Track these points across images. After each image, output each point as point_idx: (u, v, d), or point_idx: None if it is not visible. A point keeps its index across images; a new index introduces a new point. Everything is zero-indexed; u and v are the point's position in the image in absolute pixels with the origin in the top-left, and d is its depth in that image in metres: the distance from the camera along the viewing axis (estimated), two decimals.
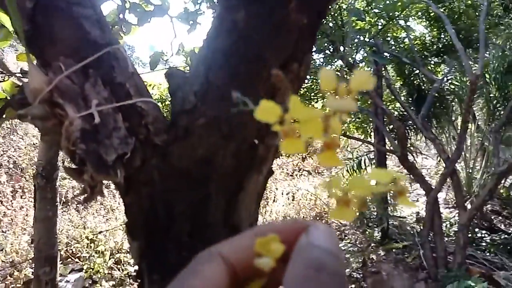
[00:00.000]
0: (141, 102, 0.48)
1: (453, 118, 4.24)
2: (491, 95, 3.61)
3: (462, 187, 2.88)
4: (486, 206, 3.47)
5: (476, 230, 3.19)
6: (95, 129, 0.44)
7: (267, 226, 0.25)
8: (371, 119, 3.71)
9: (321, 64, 3.52)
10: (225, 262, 0.23)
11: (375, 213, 3.93)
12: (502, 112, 3.35)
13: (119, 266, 2.78)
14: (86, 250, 2.87)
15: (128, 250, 2.93)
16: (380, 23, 3.16)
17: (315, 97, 3.94)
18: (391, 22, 3.04)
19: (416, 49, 3.39)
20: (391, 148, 3.10)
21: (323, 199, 4.51)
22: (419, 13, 3.77)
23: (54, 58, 0.47)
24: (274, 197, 4.19)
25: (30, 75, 0.44)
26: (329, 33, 2.83)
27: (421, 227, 3.01)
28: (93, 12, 0.50)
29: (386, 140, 3.26)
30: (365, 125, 4.26)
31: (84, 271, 2.69)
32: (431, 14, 3.70)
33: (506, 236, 3.12)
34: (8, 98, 0.64)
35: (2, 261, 2.41)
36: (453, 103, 4.02)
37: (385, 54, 3.20)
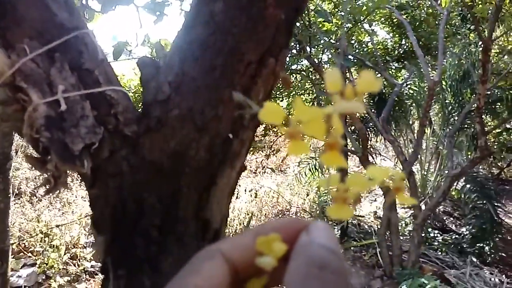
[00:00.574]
0: (111, 90, 0.46)
1: (411, 122, 4.40)
2: (446, 101, 3.78)
3: (417, 188, 3.00)
4: (438, 207, 3.63)
5: (429, 230, 3.33)
6: (61, 116, 0.42)
7: (268, 225, 0.24)
8: None
9: (287, 63, 3.55)
10: (226, 260, 0.23)
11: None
12: (456, 118, 3.52)
13: (74, 262, 2.69)
14: (40, 245, 2.75)
15: (85, 245, 2.84)
16: (346, 26, 3.23)
17: (280, 96, 3.97)
18: (356, 25, 3.11)
19: (378, 53, 3.49)
20: (353, 148, 3.18)
21: (285, 197, 4.55)
22: (383, 19, 3.89)
23: (18, 40, 0.44)
24: (237, 193, 4.18)
25: None
26: (296, 33, 2.86)
27: (379, 226, 3.11)
28: None
29: (348, 141, 3.33)
30: None
31: (37, 266, 2.58)
32: (394, 21, 3.82)
33: (457, 236, 3.28)
34: None
35: None
36: (411, 107, 4.17)
37: (350, 56, 3.27)
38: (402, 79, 4.06)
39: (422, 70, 3.04)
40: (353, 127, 3.77)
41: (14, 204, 2.68)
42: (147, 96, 0.46)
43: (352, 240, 3.41)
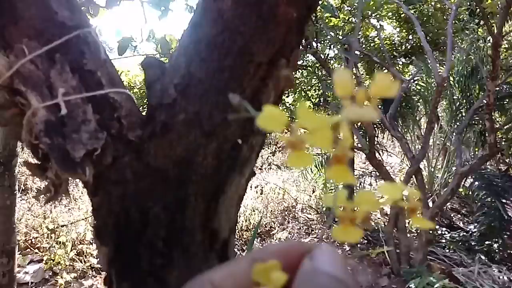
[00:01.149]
0: (114, 92, 0.44)
1: (418, 118, 4.35)
2: (454, 97, 3.73)
3: (425, 185, 2.96)
4: (446, 204, 3.59)
5: (437, 227, 3.30)
6: (61, 121, 0.40)
7: (266, 249, 0.22)
8: None
9: None
10: None
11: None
12: (464, 114, 3.47)
13: (81, 258, 2.68)
14: (46, 241, 2.75)
15: (91, 241, 2.84)
16: (353, 21, 3.19)
17: (285, 92, 3.94)
18: (363, 20, 3.07)
19: (385, 48, 3.45)
20: (359, 145, 3.15)
21: (291, 194, 4.53)
22: (390, 14, 3.84)
23: (16, 40, 0.42)
24: None
25: None
26: None
27: (386, 224, 3.08)
28: None
29: (354, 137, 3.30)
30: None
31: (44, 262, 2.58)
32: (401, 15, 3.77)
33: (464, 233, 3.24)
34: None
35: None
36: (419, 103, 4.12)
37: (356, 52, 3.23)
38: (410, 74, 4.02)
39: (430, 65, 2.99)
40: (359, 123, 3.74)
41: (21, 200, 2.68)
42: (152, 99, 0.44)
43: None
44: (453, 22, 2.75)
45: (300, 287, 0.19)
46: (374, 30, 3.63)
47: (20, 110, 0.41)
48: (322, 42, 3.23)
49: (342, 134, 0.18)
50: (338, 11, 3.01)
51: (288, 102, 4.13)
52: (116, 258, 0.42)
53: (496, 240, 2.89)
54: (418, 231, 2.73)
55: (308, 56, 3.64)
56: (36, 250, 2.70)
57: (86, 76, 0.43)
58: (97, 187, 0.42)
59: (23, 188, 3.21)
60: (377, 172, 2.95)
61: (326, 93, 3.79)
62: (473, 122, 3.68)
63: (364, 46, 3.75)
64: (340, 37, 2.96)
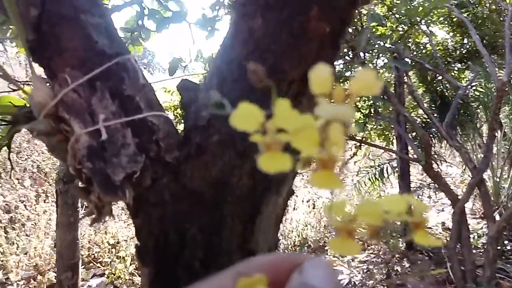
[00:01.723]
0: (152, 116, 0.45)
1: (478, 126, 4.10)
2: None
3: (490, 197, 2.76)
4: None
5: (505, 242, 3.06)
6: (102, 146, 0.41)
7: (253, 262, 0.21)
8: (393, 126, 3.63)
9: (341, 70, 3.46)
10: None
11: (399, 223, 3.83)
12: None
13: (139, 272, 2.77)
14: (107, 255, 2.88)
15: None
16: (401, 29, 3.09)
17: None
18: (413, 27, 2.97)
19: (438, 55, 3.30)
20: (415, 156, 3.01)
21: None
22: (441, 18, 3.68)
23: (61, 70, 0.44)
24: (294, 204, 4.12)
25: (34, 88, 0.42)
26: (348, 39, 2.78)
27: (448, 238, 2.90)
28: (101, 21, 0.47)
29: (409, 148, 3.17)
30: (387, 132, 4.16)
31: (106, 276, 2.70)
32: (454, 19, 3.60)
33: None
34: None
35: (26, 264, 2.44)
36: (478, 110, 3.89)
37: (407, 60, 3.12)
38: (467, 80, 3.81)
39: (488, 70, 2.82)
40: (414, 133, 3.59)
41: (83, 217, 2.83)
42: (188, 121, 0.44)
43: (419, 253, 3.22)
44: (510, 23, 2.59)
45: None
46: (425, 36, 3.50)
47: (65, 137, 0.43)
48: (371, 52, 3.15)
49: (332, 135, 0.17)
50: (386, 20, 2.94)
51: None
52: (157, 280, 0.42)
53: None
54: (485, 247, 2.54)
55: (356, 67, 3.58)
56: (99, 265, 2.83)
57: (126, 101, 0.45)
58: (137, 209, 0.44)
59: (86, 205, 3.39)
60: (435, 184, 2.80)
61: (377, 103, 3.69)
62: None
63: (415, 53, 3.62)
64: (388, 46, 2.88)
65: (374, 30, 3.00)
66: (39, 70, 0.46)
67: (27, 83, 0.58)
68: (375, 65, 3.29)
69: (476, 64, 3.45)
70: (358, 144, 3.73)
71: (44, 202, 3.03)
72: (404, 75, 3.37)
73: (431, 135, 3.76)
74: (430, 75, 3.68)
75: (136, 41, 1.60)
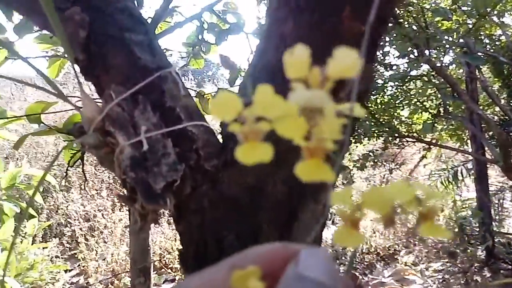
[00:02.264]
0: (192, 126, 0.47)
1: None
2: None
3: None
4: None
5: None
6: (144, 156, 0.43)
7: (249, 253, 0.20)
8: (466, 126, 3.39)
9: (406, 69, 3.31)
10: None
11: (477, 229, 3.55)
12: None
13: None
14: (177, 261, 2.99)
15: None
16: (470, 21, 2.89)
17: (400, 105, 3.70)
18: (482, 19, 2.76)
19: None
20: (492, 157, 2.79)
21: (415, 214, 4.20)
22: None
23: (108, 86, 0.47)
24: None
25: (83, 104, 0.45)
26: (412, 36, 2.65)
27: None
28: (144, 38, 0.50)
29: (486, 148, 2.94)
30: (460, 133, 3.89)
31: (176, 281, 2.80)
32: None
33: None
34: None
35: (104, 270, 2.61)
36: None
37: (479, 54, 2.90)
38: None
39: None
40: (490, 133, 3.32)
41: (154, 225, 2.97)
42: (224, 129, 0.45)
43: (501, 262, 2.97)
44: None
45: None
46: (498, 28, 3.24)
47: (112, 149, 0.45)
48: (437, 48, 2.98)
49: (325, 122, 0.16)
50: (452, 13, 2.77)
51: (403, 116, 3.88)
52: None
53: None
54: None
55: (421, 66, 3.39)
56: (169, 270, 2.95)
57: (166, 112, 0.47)
58: (179, 217, 0.45)
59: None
60: None
61: (447, 102, 3.47)
62: None
63: (488, 46, 3.36)
64: (456, 40, 2.71)
65: (439, 25, 2.84)
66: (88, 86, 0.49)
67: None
68: (442, 61, 3.11)
69: None
70: (427, 146, 3.53)
71: (119, 210, 3.23)
72: (477, 70, 3.15)
73: (509, 134, 3.46)
74: (506, 69, 3.39)
75: (198, 55, 1.66)
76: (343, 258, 3.18)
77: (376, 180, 5.26)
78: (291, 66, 0.16)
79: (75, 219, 2.89)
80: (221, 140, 0.48)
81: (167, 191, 0.43)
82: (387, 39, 2.82)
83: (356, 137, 3.00)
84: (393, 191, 0.18)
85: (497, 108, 3.39)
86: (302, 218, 0.42)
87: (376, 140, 3.31)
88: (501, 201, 3.51)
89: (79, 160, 1.01)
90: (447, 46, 2.67)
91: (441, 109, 3.70)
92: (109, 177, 3.88)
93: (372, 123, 2.96)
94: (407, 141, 3.40)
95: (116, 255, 2.69)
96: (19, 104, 4.71)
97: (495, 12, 2.63)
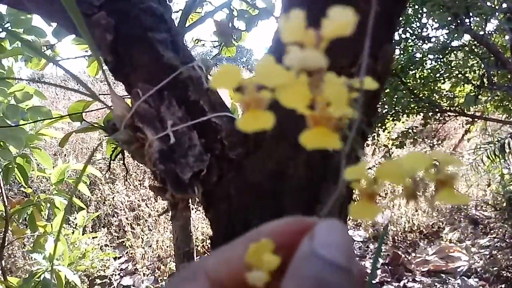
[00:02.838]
0: (216, 117, 0.49)
1: None
2: None
3: None
4: None
5: None
6: (171, 149, 0.46)
7: (264, 228, 0.20)
8: None
9: (445, 40, 3.17)
10: (211, 280, 0.19)
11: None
12: None
13: None
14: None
15: None
16: None
17: (441, 78, 3.56)
18: None
19: None
20: None
21: (460, 190, 4.07)
22: None
23: (135, 84, 0.50)
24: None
25: (113, 103, 0.48)
26: (450, 6, 2.54)
27: None
28: (167, 35, 0.52)
29: None
30: (506, 103, 3.70)
31: None
32: None
33: None
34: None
35: (150, 256, 2.73)
36: None
37: None
38: None
39: None
40: None
41: (195, 211, 3.06)
42: None
43: None
44: None
45: (292, 275, 0.17)
46: None
47: (142, 144, 0.48)
48: (479, 15, 2.83)
49: (328, 90, 0.16)
50: None
51: (444, 89, 3.73)
52: None
53: None
54: None
55: (462, 35, 3.23)
56: None
57: (191, 106, 0.49)
58: (208, 204, 0.47)
59: (197, 201, 3.67)
60: None
61: (492, 72, 3.30)
62: None
63: None
64: (498, 6, 2.56)
65: None
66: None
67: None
68: (484, 30, 2.95)
69: None
70: (470, 119, 3.39)
71: (162, 200, 3.34)
72: None
73: None
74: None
75: (229, 43, 1.68)
76: (384, 237, 3.15)
77: None
78: (287, 29, 0.16)
79: (121, 209, 3.03)
80: None
81: (194, 181, 0.45)
82: (424, 10, 2.71)
83: (393, 115, 2.93)
84: (409, 160, 0.18)
85: None
86: (324, 200, 0.43)
87: (416, 116, 3.22)
88: None
89: (121, 154, 1.06)
90: (489, 13, 2.54)
91: (484, 80, 3.53)
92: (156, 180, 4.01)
93: (411, 99, 2.87)
94: (449, 115, 3.27)
95: (161, 242, 2.81)
96: (63, 103, 4.96)
97: None
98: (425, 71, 3.18)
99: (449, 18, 2.73)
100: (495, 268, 2.54)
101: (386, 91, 2.71)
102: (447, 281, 2.57)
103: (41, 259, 1.57)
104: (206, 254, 3.06)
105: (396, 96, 2.84)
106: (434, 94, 3.17)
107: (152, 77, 0.49)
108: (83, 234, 2.30)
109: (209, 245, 3.14)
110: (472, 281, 2.57)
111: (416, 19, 2.84)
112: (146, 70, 0.50)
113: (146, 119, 0.47)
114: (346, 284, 0.16)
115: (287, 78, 0.15)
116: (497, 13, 2.63)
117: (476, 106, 3.59)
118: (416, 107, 2.99)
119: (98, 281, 2.50)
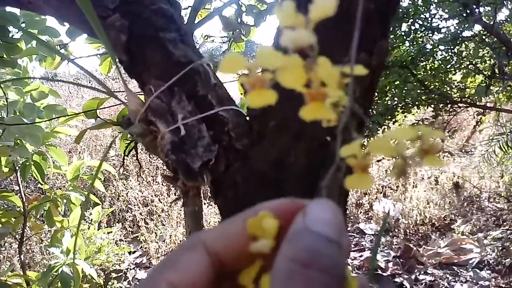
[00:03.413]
0: (223, 110, 0.52)
1: None
2: None
3: None
4: None
5: None
6: (182, 140, 0.50)
7: (259, 207, 0.22)
8: None
9: (456, 31, 3.14)
10: (209, 252, 0.20)
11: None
12: None
13: None
14: None
15: None
16: None
17: (452, 69, 3.53)
18: None
19: None
20: None
21: (473, 182, 4.05)
22: None
23: (148, 81, 0.53)
24: (414, 182, 3.92)
25: (128, 99, 0.52)
26: None
27: None
28: (176, 35, 0.55)
29: None
30: None
31: None
32: None
33: None
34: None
35: (164, 250, 2.79)
36: None
37: None
38: None
39: None
40: None
41: (207, 206, 3.11)
42: (250, 111, 0.50)
43: None
44: None
45: (285, 248, 0.18)
46: None
47: (155, 136, 0.52)
48: (491, 3, 2.80)
49: (320, 71, 0.18)
50: None
51: (455, 80, 3.70)
52: None
53: None
54: None
55: (473, 26, 3.20)
56: None
57: (200, 100, 0.52)
58: (216, 192, 0.51)
59: (209, 195, 3.73)
60: None
61: (502, 62, 3.26)
62: None
63: None
64: None
65: None
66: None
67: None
68: (494, 19, 2.92)
69: None
70: (481, 110, 3.36)
71: (174, 195, 3.40)
72: None
73: None
74: None
75: (238, 38, 1.70)
76: (395, 230, 3.16)
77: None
78: (282, 16, 0.18)
79: (134, 205, 3.09)
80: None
81: (204, 169, 0.49)
82: (434, 0, 2.70)
83: (403, 107, 2.93)
84: (397, 133, 0.20)
85: None
86: (323, 185, 0.46)
87: (426, 108, 3.20)
88: None
89: (134, 150, 1.10)
90: (499, 2, 2.52)
91: (496, 70, 3.49)
92: (163, 164, 4.08)
93: (421, 91, 2.86)
94: (459, 107, 3.24)
95: (174, 236, 2.86)
96: (77, 101, 5.04)
97: None
98: (435, 62, 3.15)
99: (459, 8, 2.71)
100: (507, 260, 2.54)
101: (396, 83, 2.71)
102: (459, 274, 2.58)
103: (59, 253, 1.62)
104: None
105: (406, 88, 2.84)
106: (445, 85, 3.14)
107: (164, 74, 0.53)
108: (98, 229, 2.36)
109: None
110: (484, 273, 2.57)
111: (426, 10, 2.82)
112: (158, 68, 0.53)
113: (158, 113, 0.51)
114: (336, 256, 0.17)
115: (283, 61, 0.18)
116: (507, 2, 2.61)
117: (488, 97, 3.55)
118: (426, 99, 2.98)
119: (113, 274, 2.56)
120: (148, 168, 3.53)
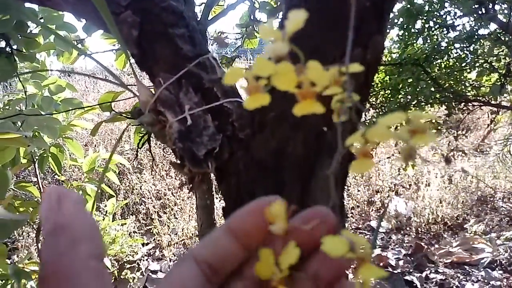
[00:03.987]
0: (227, 102, 0.55)
1: None
2: None
3: None
4: None
5: None
6: (188, 130, 0.53)
7: (239, 213, 0.25)
8: None
9: (472, 29, 3.11)
10: (198, 262, 0.23)
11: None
12: None
13: None
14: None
15: None
16: None
17: (466, 67, 3.49)
18: None
19: None
20: None
21: (487, 182, 4.00)
22: None
23: (157, 74, 0.57)
24: (427, 180, 3.89)
25: (139, 91, 0.55)
26: None
27: None
28: (185, 30, 0.58)
29: None
30: None
31: None
32: None
33: None
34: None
35: (176, 242, 2.84)
36: None
37: None
38: None
39: None
40: None
41: (219, 201, 3.15)
42: None
43: None
44: None
45: None
46: None
47: (163, 126, 0.55)
48: (506, 2, 2.76)
49: (309, 74, 0.21)
50: None
51: (470, 79, 3.66)
52: None
53: None
54: None
55: (489, 24, 3.16)
56: None
57: (206, 92, 0.56)
58: (220, 178, 0.54)
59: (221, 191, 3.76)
60: None
61: None
62: None
63: None
64: None
65: None
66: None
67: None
68: (510, 17, 2.88)
69: None
70: (495, 109, 3.32)
71: (187, 188, 3.45)
72: None
73: None
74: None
75: (251, 35, 1.72)
76: (407, 229, 3.15)
77: (444, 148, 5.05)
78: (263, 33, 0.22)
79: (148, 198, 3.15)
80: None
81: (208, 157, 0.52)
82: None
83: (416, 105, 2.91)
84: (389, 118, 0.21)
85: None
86: (319, 173, 0.49)
87: (439, 107, 3.18)
88: None
89: (148, 143, 1.14)
90: None
91: (511, 69, 3.44)
92: (176, 158, 4.13)
93: (435, 89, 2.84)
94: (473, 105, 3.21)
95: (186, 229, 2.91)
96: (93, 95, 5.14)
97: None
98: (450, 60, 3.11)
99: (474, 6, 2.68)
100: None
101: (409, 80, 2.70)
102: (471, 273, 2.57)
103: None
104: None
105: (419, 86, 2.82)
106: (460, 84, 3.11)
107: (172, 68, 0.56)
108: (113, 221, 2.42)
109: None
110: (496, 273, 2.55)
111: (440, 7, 2.80)
112: (167, 62, 0.57)
113: (167, 104, 0.54)
114: None
115: (276, 68, 0.21)
116: None
117: (503, 96, 3.50)
118: (440, 97, 2.95)
119: (127, 265, 2.62)
120: (162, 163, 3.58)
